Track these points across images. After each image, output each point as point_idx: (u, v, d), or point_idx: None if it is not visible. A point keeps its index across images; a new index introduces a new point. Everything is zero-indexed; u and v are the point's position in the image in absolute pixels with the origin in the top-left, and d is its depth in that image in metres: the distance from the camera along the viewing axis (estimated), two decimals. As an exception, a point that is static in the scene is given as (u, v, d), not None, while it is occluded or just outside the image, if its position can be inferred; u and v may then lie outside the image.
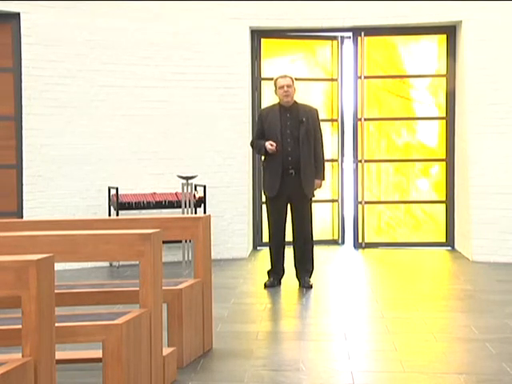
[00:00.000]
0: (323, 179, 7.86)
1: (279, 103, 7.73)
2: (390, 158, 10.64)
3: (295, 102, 7.74)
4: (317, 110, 7.86)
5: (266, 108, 7.94)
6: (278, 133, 7.61)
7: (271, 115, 7.70)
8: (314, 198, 7.86)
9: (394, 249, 10.45)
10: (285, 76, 7.70)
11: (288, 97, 7.64)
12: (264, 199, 10.39)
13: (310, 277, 7.79)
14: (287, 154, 7.61)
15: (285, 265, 7.87)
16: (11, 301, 4.72)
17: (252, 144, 7.92)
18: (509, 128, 9.46)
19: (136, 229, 4.99)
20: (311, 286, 7.67)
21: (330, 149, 10.60)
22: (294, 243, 7.80)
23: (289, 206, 7.76)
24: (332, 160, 10.67)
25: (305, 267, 7.78)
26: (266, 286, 7.73)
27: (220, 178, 9.83)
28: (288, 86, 7.62)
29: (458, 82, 10.15)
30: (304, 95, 10.00)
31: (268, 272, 7.87)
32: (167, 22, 9.60)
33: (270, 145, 7.52)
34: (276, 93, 7.73)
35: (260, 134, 7.76)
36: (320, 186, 7.85)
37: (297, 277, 7.82)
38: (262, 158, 7.91)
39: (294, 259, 7.82)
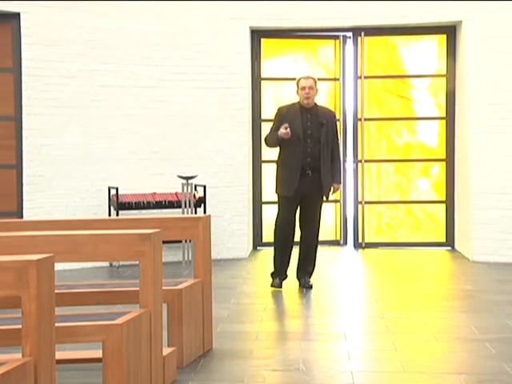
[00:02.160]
0: (340, 182, 7.83)
1: (299, 103, 7.64)
2: (389, 158, 10.64)
3: (315, 104, 7.67)
4: (335, 113, 7.84)
5: (286, 106, 7.76)
6: (299, 133, 7.49)
7: (292, 114, 7.58)
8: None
9: (394, 249, 10.45)
10: (308, 77, 7.61)
11: (309, 99, 7.56)
12: (265, 198, 10.43)
13: (310, 277, 7.76)
14: (307, 155, 7.51)
15: (288, 270, 7.73)
16: (11, 301, 4.72)
17: (266, 138, 7.74)
18: (509, 128, 9.45)
19: (136, 229, 4.99)
20: (311, 286, 7.65)
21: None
22: (301, 244, 7.75)
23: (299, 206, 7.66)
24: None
25: (306, 268, 7.75)
26: (272, 286, 7.64)
27: (220, 178, 9.83)
28: (310, 88, 7.54)
29: (457, 82, 10.15)
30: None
31: (271, 274, 7.74)
32: (167, 22, 9.60)
33: (283, 128, 7.35)
34: (297, 93, 7.65)
35: (276, 130, 7.54)
36: (337, 190, 7.80)
37: (297, 277, 7.79)
38: (277, 156, 7.71)
39: (298, 259, 7.77)
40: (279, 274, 7.69)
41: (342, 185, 7.94)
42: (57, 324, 3.79)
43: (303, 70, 10.48)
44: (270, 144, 7.75)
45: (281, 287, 7.65)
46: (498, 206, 9.48)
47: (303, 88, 7.56)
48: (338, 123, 7.84)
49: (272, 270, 7.80)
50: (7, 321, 4.02)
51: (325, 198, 7.66)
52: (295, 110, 7.61)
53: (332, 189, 7.68)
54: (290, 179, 7.53)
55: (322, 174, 7.53)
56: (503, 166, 9.46)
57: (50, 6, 8.98)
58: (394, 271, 8.77)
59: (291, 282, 7.83)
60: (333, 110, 7.99)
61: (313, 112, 7.62)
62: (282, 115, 7.62)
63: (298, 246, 7.79)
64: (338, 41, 10.55)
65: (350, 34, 10.41)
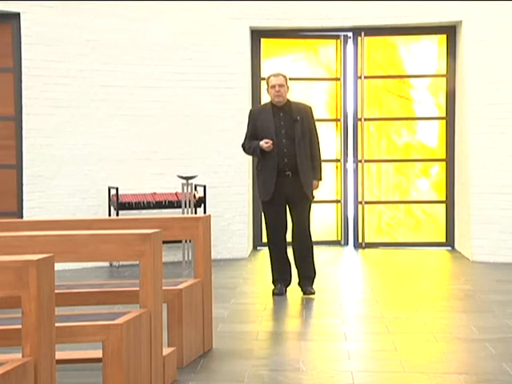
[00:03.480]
0: (320, 179, 7.46)
1: (271, 102, 7.34)
2: (389, 158, 10.64)
3: (288, 101, 7.34)
4: (311, 108, 7.45)
5: (257, 107, 7.53)
6: (272, 133, 7.19)
7: (263, 115, 7.30)
8: (315, 199, 7.54)
9: (394, 249, 10.45)
10: (278, 74, 7.33)
11: (280, 97, 7.24)
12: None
13: (312, 284, 7.41)
14: (283, 155, 7.21)
15: (291, 272, 7.47)
16: (11, 301, 4.72)
17: (243, 146, 7.46)
18: (509, 128, 9.46)
19: (136, 229, 4.99)
20: (313, 293, 7.32)
21: (333, 149, 10.59)
22: (294, 247, 7.41)
23: (287, 208, 7.37)
24: (336, 160, 10.65)
25: (306, 274, 7.39)
26: (274, 293, 7.34)
27: (220, 178, 9.83)
28: (280, 86, 7.22)
29: (457, 82, 10.15)
30: (306, 95, 10.01)
31: (273, 281, 7.45)
32: (167, 22, 9.60)
33: (265, 143, 7.12)
34: (268, 91, 7.38)
35: (251, 135, 7.36)
36: (317, 187, 7.44)
37: (298, 284, 7.42)
38: (256, 160, 7.54)
39: (295, 265, 7.45)
40: (280, 280, 7.39)
41: (322, 181, 7.54)
42: (57, 324, 3.79)
43: (304, 70, 10.49)
44: (251, 154, 7.49)
45: (283, 294, 7.33)
46: (498, 206, 9.48)
47: (273, 86, 7.26)
48: (314, 118, 7.45)
49: (271, 276, 7.49)
50: (7, 321, 4.02)
51: (311, 198, 7.34)
52: (267, 111, 7.33)
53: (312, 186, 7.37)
54: (267, 183, 7.25)
55: (300, 174, 7.22)
56: (503, 166, 9.46)
57: (49, 5, 8.98)
58: (394, 271, 8.77)
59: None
60: (308, 104, 7.52)
61: (286, 110, 7.30)
62: (254, 117, 7.35)
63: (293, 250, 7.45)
64: (338, 40, 10.54)
65: (350, 33, 10.41)
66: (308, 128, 7.34)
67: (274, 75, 7.35)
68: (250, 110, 7.56)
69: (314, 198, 7.46)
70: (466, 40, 9.66)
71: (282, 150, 7.24)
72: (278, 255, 7.42)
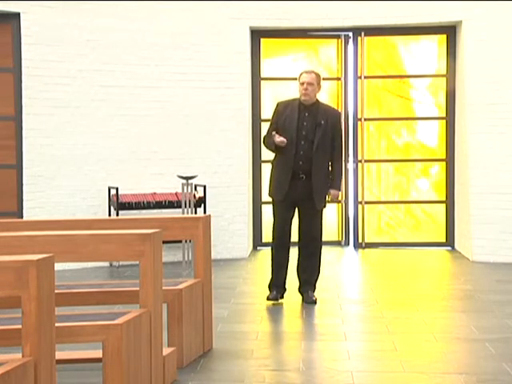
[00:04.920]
0: (339, 189, 7.09)
1: (299, 99, 7.05)
2: (389, 158, 10.64)
3: (317, 101, 7.07)
4: (339, 113, 7.26)
5: (285, 102, 7.20)
6: (292, 133, 6.91)
7: (289, 112, 7.00)
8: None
9: (394, 249, 10.44)
10: (310, 72, 7.03)
11: (307, 95, 6.95)
12: (265, 198, 10.42)
13: (313, 291, 7.08)
14: (299, 157, 6.91)
15: (286, 281, 7.11)
16: (11, 301, 4.72)
17: (264, 141, 7.14)
18: (509, 128, 9.46)
19: (136, 229, 4.99)
20: (315, 302, 6.95)
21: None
22: (300, 251, 7.12)
23: (297, 211, 7.07)
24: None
25: (309, 279, 7.07)
26: (268, 298, 7.03)
27: (220, 178, 9.83)
28: (309, 84, 6.93)
29: (457, 82, 10.15)
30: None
31: (269, 285, 7.13)
32: (167, 22, 9.60)
33: (277, 138, 6.82)
34: (298, 88, 7.05)
35: (273, 129, 7.02)
36: (337, 197, 7.10)
37: (299, 291, 7.11)
38: (272, 156, 7.25)
39: (297, 269, 7.14)
40: (277, 287, 7.06)
41: (340, 192, 7.14)
42: (57, 324, 3.79)
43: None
44: (267, 147, 7.16)
45: (277, 300, 7.03)
46: (498, 206, 9.48)
47: (302, 83, 6.96)
48: (341, 124, 7.20)
49: (269, 281, 7.17)
50: (7, 321, 4.02)
51: (319, 207, 6.97)
52: (293, 108, 7.02)
53: (328, 196, 7.03)
54: (281, 182, 6.96)
55: (313, 179, 6.91)
56: (503, 166, 9.46)
57: (49, 5, 8.98)
58: (394, 271, 8.77)
59: (291, 282, 7.79)
60: (337, 109, 7.43)
61: (312, 110, 7.01)
62: (280, 111, 7.08)
63: (297, 254, 7.16)
64: (339, 40, 10.54)
65: (350, 33, 10.41)
66: (331, 133, 7.01)
67: (307, 72, 7.08)
68: (277, 103, 7.23)
69: (324, 206, 7.08)
70: (466, 40, 9.66)
71: (299, 152, 6.94)
72: (277, 258, 7.10)
